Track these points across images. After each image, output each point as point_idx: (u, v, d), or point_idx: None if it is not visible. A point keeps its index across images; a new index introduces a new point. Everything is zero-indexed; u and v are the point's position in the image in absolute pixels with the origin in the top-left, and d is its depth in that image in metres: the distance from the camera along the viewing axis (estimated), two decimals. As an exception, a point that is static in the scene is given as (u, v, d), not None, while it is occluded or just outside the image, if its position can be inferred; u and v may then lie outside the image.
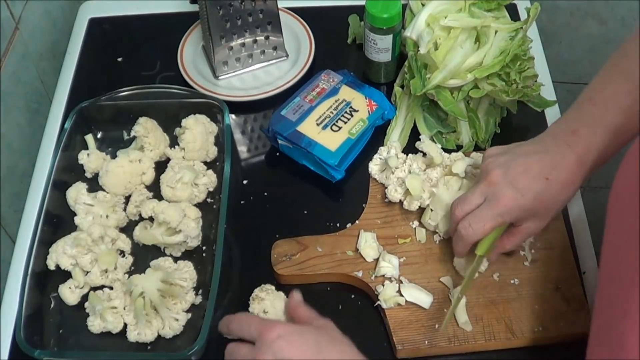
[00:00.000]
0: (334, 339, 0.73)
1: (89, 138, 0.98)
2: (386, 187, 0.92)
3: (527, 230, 0.81)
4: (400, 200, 0.91)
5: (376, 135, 1.00)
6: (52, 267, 0.86)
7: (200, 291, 0.86)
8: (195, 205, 0.93)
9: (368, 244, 0.88)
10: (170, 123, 0.99)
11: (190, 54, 1.11)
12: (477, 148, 0.99)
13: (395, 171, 0.92)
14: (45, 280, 0.86)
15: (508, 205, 0.77)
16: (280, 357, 0.69)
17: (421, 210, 0.91)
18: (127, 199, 0.94)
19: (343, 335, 0.74)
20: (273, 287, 0.85)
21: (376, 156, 0.96)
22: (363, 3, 1.01)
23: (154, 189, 0.94)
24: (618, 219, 0.56)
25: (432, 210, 0.88)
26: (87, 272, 0.86)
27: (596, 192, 1.46)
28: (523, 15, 1.15)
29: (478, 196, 0.80)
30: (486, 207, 0.79)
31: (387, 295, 0.84)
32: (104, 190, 0.93)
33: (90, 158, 0.95)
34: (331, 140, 0.95)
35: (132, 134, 0.96)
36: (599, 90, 0.82)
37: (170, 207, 0.86)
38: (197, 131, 0.96)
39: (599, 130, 0.78)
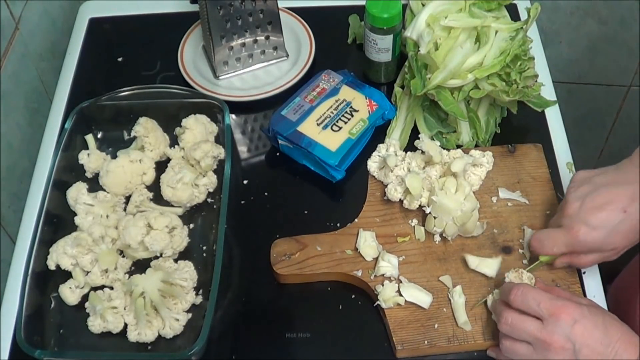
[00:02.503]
0: (613, 320, 0.74)
1: (89, 138, 0.98)
2: (385, 186, 0.92)
3: (599, 259, 0.83)
4: (400, 199, 0.91)
5: (376, 136, 1.00)
6: (52, 267, 0.86)
7: (201, 291, 0.86)
8: (195, 205, 0.93)
9: (367, 243, 0.88)
10: (170, 123, 0.99)
11: (190, 54, 1.11)
12: (476, 147, 0.99)
13: (394, 169, 0.92)
14: (45, 280, 0.86)
15: (579, 238, 0.79)
16: (576, 344, 0.70)
17: (421, 209, 0.91)
18: (128, 199, 0.94)
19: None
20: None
21: (375, 154, 0.96)
22: (363, 3, 1.01)
23: (154, 189, 0.95)
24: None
25: (435, 217, 0.88)
26: (88, 272, 0.86)
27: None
28: (523, 15, 1.15)
29: (553, 225, 0.84)
30: (561, 232, 0.81)
31: (386, 295, 0.84)
32: (104, 190, 0.93)
33: (91, 158, 0.95)
34: (331, 140, 0.95)
35: (133, 134, 0.96)
36: None
37: (131, 226, 0.85)
38: (197, 131, 0.96)
39: None
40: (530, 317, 0.74)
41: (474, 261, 0.86)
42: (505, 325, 0.75)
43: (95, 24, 1.19)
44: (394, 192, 0.91)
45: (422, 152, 0.94)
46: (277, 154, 1.00)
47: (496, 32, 0.96)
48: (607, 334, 0.71)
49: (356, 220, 0.91)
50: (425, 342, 0.82)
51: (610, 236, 0.78)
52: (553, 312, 0.72)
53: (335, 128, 0.97)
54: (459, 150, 0.94)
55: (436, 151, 0.91)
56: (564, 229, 0.81)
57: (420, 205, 0.91)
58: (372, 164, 0.95)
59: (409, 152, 0.95)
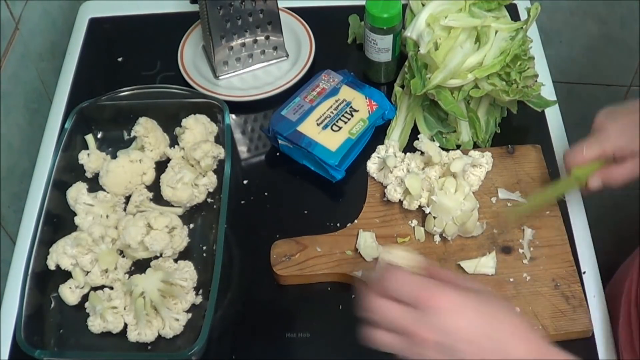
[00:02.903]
0: (506, 312, 0.63)
1: (89, 138, 0.98)
2: (385, 187, 0.92)
3: (633, 169, 0.81)
4: (399, 200, 0.91)
5: (376, 135, 1.00)
6: (52, 267, 0.86)
7: (201, 291, 0.86)
8: (195, 205, 0.93)
9: (367, 244, 0.88)
10: (170, 123, 0.99)
11: (190, 54, 1.11)
12: (476, 147, 0.99)
13: (393, 170, 0.92)
14: (45, 280, 0.86)
15: (609, 134, 0.80)
16: (451, 337, 0.60)
17: (421, 209, 0.91)
18: (128, 199, 0.94)
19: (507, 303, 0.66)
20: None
21: (374, 155, 0.96)
22: (363, 3, 1.01)
23: (154, 189, 0.95)
24: None
25: (435, 217, 0.88)
26: (88, 272, 0.86)
27: (596, 192, 1.46)
28: (523, 15, 1.15)
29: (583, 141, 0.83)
30: (591, 136, 0.82)
31: (387, 295, 0.83)
32: (104, 190, 0.93)
33: (91, 158, 0.95)
34: (331, 140, 0.95)
35: (133, 134, 0.96)
36: None
37: (131, 226, 0.85)
38: (197, 131, 0.96)
39: None
40: (402, 305, 0.62)
41: (470, 266, 0.86)
42: (371, 313, 0.64)
43: (95, 24, 1.19)
44: (394, 193, 0.91)
45: (422, 153, 0.94)
46: (277, 154, 1.00)
47: (496, 32, 0.96)
48: (495, 327, 0.60)
49: (356, 221, 0.91)
50: (425, 342, 0.82)
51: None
52: (427, 300, 0.60)
53: (335, 128, 0.97)
54: (458, 151, 0.94)
55: (435, 152, 0.91)
56: (594, 132, 0.81)
57: (419, 206, 0.91)
58: (372, 165, 0.95)
59: (408, 153, 0.95)
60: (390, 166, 0.92)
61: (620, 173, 0.82)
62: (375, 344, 0.64)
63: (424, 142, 0.93)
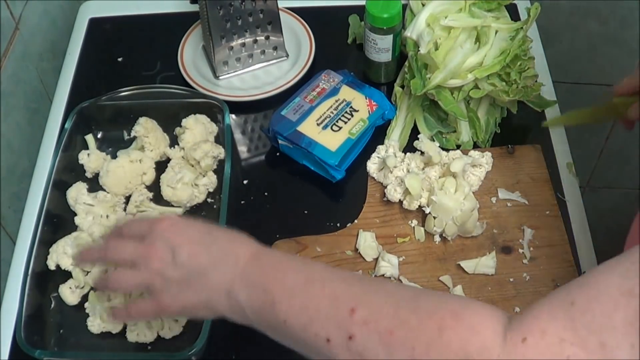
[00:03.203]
0: (218, 227, 0.71)
1: (89, 138, 0.98)
2: (385, 187, 0.93)
3: None
4: (399, 200, 0.91)
5: (376, 135, 1.00)
6: (52, 267, 0.86)
7: (201, 291, 0.86)
8: (195, 205, 0.93)
9: (367, 244, 0.88)
10: (170, 123, 0.99)
11: (190, 54, 1.11)
12: (475, 147, 0.99)
13: (393, 170, 0.92)
14: (45, 280, 0.86)
15: None
16: (174, 246, 0.65)
17: (421, 209, 0.91)
18: (128, 199, 0.94)
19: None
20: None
21: (374, 155, 0.96)
22: (363, 3, 1.01)
23: (154, 189, 0.95)
24: None
25: (435, 217, 0.88)
26: (88, 272, 0.86)
27: (596, 192, 1.46)
28: (523, 15, 1.15)
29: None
30: (633, 74, 0.80)
31: (387, 295, 0.83)
32: (104, 190, 0.93)
33: (91, 158, 0.95)
34: (331, 140, 0.95)
35: (133, 134, 0.96)
36: None
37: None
38: (197, 131, 0.96)
39: None
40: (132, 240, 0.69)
41: (470, 266, 0.86)
42: (108, 252, 0.70)
43: (95, 24, 1.19)
44: (394, 193, 0.91)
45: (422, 153, 0.94)
46: (277, 154, 1.00)
47: (496, 32, 0.96)
48: (211, 233, 0.67)
49: (356, 221, 0.91)
50: (425, 342, 0.82)
51: None
52: (151, 224, 0.68)
53: (335, 128, 0.97)
54: (458, 151, 0.94)
55: (435, 152, 0.91)
56: (637, 69, 0.79)
57: (420, 206, 0.91)
58: (372, 165, 0.95)
59: (408, 153, 0.95)
60: (390, 166, 0.92)
61: None
62: (115, 287, 0.71)
63: (424, 142, 0.93)
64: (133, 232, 0.70)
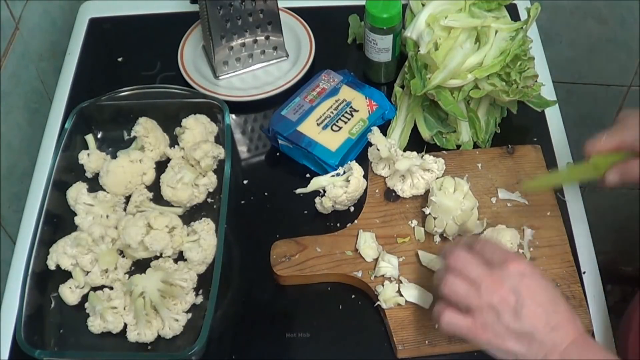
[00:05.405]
0: (560, 293, 0.72)
1: (89, 138, 0.98)
2: (370, 162, 0.94)
3: None
4: (397, 196, 0.92)
5: (376, 135, 1.00)
6: (52, 267, 0.86)
7: (201, 291, 0.86)
8: (195, 205, 0.93)
9: (367, 244, 0.88)
10: (170, 123, 0.99)
11: (190, 54, 1.11)
12: (476, 147, 0.99)
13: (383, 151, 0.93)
14: (45, 280, 0.86)
15: (630, 125, 0.79)
16: (520, 297, 0.68)
17: (421, 210, 0.91)
18: (128, 199, 0.94)
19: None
20: None
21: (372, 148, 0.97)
22: (363, 3, 1.01)
23: (154, 189, 0.95)
24: None
25: (435, 218, 0.88)
26: (88, 272, 0.86)
27: (596, 192, 1.46)
28: (523, 15, 1.15)
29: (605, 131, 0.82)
30: (612, 128, 0.80)
31: (387, 296, 0.84)
32: (104, 190, 0.93)
33: (91, 158, 0.95)
34: (331, 140, 0.95)
35: (133, 134, 0.96)
36: None
37: (130, 226, 0.85)
38: (197, 131, 0.96)
39: None
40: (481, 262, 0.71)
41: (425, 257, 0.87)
42: (453, 261, 0.72)
43: (95, 24, 1.19)
44: (380, 170, 0.93)
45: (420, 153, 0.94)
46: (277, 154, 1.00)
47: (496, 32, 0.96)
48: (555, 302, 0.69)
49: (356, 221, 0.91)
50: (426, 342, 0.82)
51: None
52: (506, 260, 0.70)
53: (335, 128, 0.97)
54: (413, 152, 0.94)
55: (384, 147, 0.91)
56: (616, 124, 0.80)
57: (421, 208, 0.91)
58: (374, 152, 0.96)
59: (407, 152, 0.95)
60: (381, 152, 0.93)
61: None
62: (447, 289, 0.72)
63: (375, 135, 0.93)
64: (484, 252, 0.72)
